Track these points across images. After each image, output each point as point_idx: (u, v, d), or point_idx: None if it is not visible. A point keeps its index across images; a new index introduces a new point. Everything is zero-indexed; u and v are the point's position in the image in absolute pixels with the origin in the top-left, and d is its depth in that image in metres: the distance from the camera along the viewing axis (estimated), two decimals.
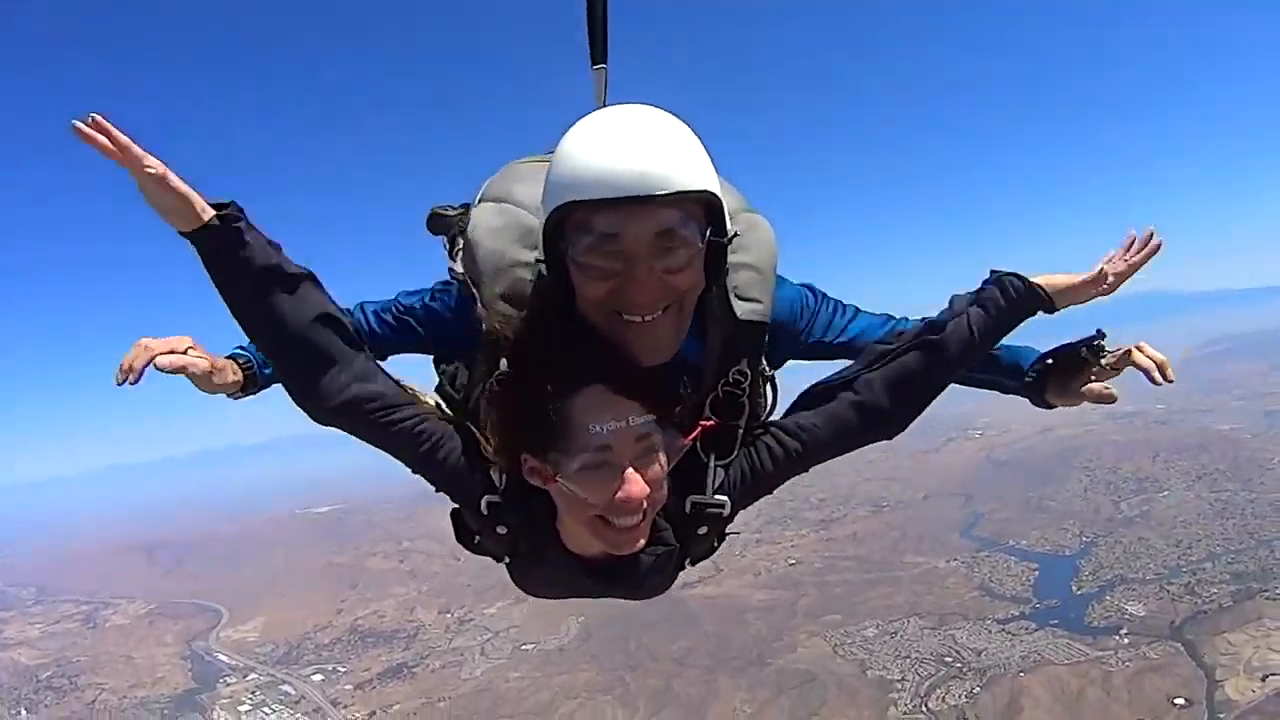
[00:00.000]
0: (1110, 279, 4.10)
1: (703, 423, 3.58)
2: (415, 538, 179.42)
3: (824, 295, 4.30)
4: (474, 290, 3.77)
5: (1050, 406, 4.59)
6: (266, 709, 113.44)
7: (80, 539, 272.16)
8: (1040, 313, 4.09)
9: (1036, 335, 4.51)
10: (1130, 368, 4.25)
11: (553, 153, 3.48)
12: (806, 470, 4.00)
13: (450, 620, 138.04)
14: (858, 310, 4.39)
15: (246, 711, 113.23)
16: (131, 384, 3.54)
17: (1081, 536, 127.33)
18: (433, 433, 3.65)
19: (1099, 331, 4.22)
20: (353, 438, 3.72)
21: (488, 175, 4.38)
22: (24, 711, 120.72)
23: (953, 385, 4.41)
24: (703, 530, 3.92)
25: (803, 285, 4.26)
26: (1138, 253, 4.17)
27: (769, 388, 4.13)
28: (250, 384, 3.99)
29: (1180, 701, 79.89)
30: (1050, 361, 4.41)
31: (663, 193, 3.11)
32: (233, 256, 3.28)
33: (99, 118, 3.03)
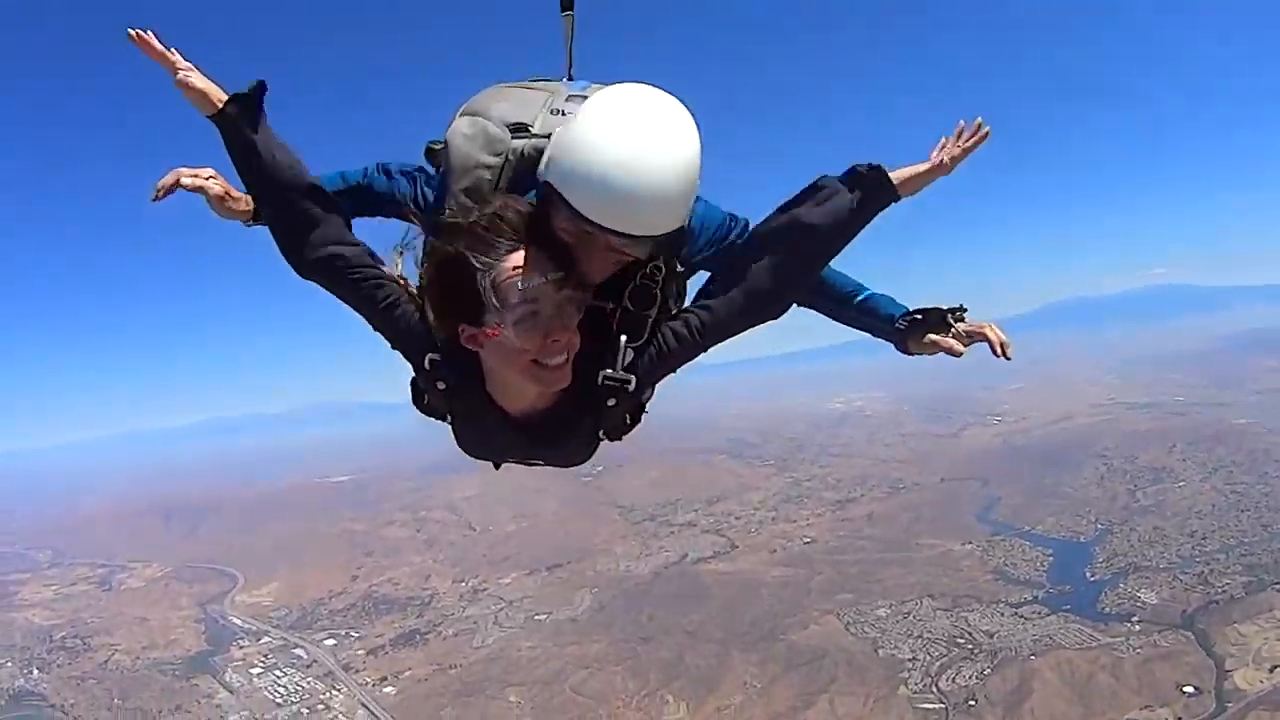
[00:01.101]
0: (946, 161, 4.46)
1: (618, 310, 4.31)
2: (432, 507, 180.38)
3: (725, 212, 4.85)
4: (443, 177, 4.60)
5: (909, 353, 5.36)
6: (278, 672, 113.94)
7: (97, 503, 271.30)
8: (892, 202, 4.46)
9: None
10: (979, 341, 5.03)
11: (529, 83, 4.94)
12: (705, 350, 4.51)
13: (464, 589, 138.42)
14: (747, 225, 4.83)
15: (258, 674, 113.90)
16: (158, 199, 4.56)
17: (1096, 524, 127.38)
18: (389, 294, 4.33)
19: (962, 305, 4.98)
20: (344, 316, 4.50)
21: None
22: (36, 671, 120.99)
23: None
24: (612, 402, 4.42)
25: (711, 204, 4.79)
26: (969, 139, 4.46)
27: (677, 285, 4.68)
28: (259, 217, 4.70)
29: (1189, 690, 79.97)
30: (919, 316, 5.07)
31: (653, 234, 3.97)
32: (239, 133, 4.22)
33: (143, 32, 4.22)
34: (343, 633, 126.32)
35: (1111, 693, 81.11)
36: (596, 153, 3.80)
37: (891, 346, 5.45)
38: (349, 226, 4.55)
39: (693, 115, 4.04)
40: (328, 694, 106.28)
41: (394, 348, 4.50)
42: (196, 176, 4.64)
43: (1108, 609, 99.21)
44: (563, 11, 5.49)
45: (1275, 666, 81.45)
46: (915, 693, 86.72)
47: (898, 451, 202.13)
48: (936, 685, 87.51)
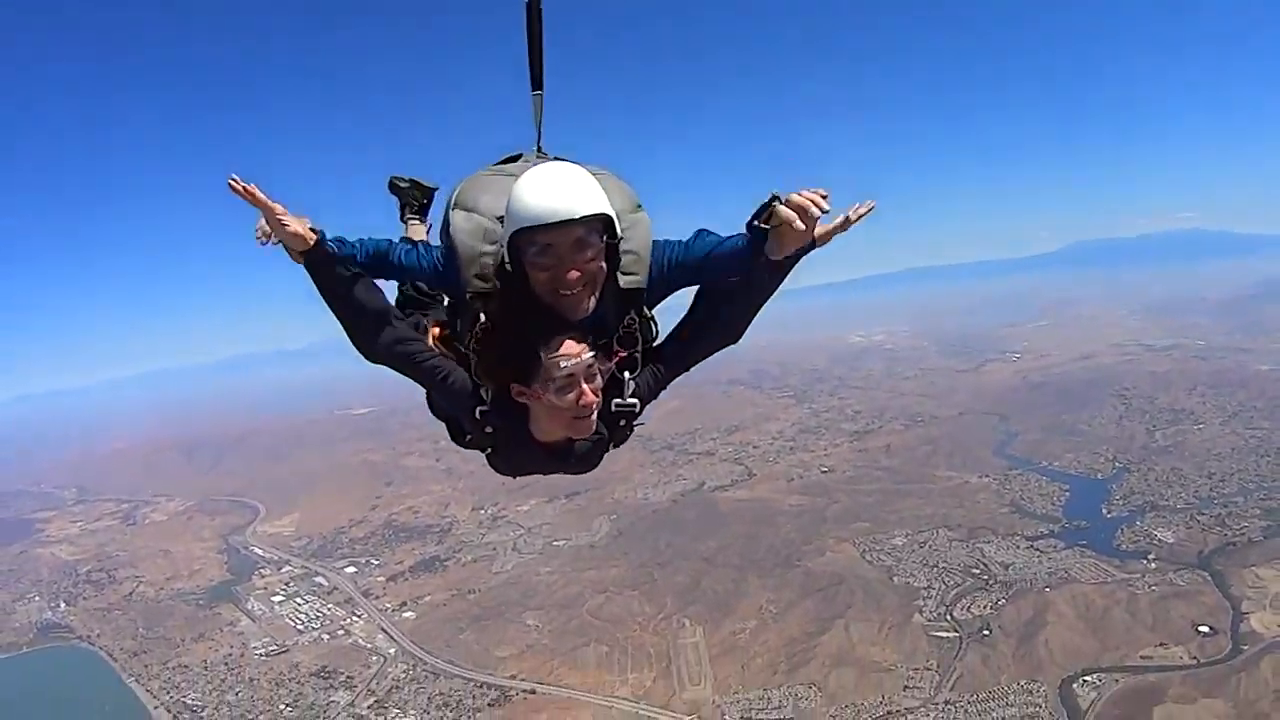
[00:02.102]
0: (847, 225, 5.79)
1: (618, 353, 5.73)
2: None
3: (678, 241, 5.95)
4: (456, 269, 5.70)
5: (781, 268, 5.78)
6: (299, 599, 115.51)
7: (121, 440, 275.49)
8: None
9: None
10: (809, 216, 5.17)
11: (499, 168, 6.37)
12: (687, 370, 6.38)
13: (483, 516, 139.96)
14: (698, 235, 5.97)
15: (279, 601, 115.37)
16: (263, 243, 5.67)
17: (1114, 462, 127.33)
18: (441, 368, 5.82)
19: (772, 195, 5.22)
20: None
21: (439, 158, 6.17)
22: (63, 604, 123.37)
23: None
24: (623, 423, 6.13)
25: (666, 241, 5.97)
26: (857, 216, 5.74)
27: (651, 324, 6.15)
28: (316, 252, 5.54)
29: (1204, 629, 79.77)
30: (756, 225, 5.36)
31: (573, 218, 5.14)
32: (327, 269, 5.54)
33: (248, 185, 5.24)
34: (363, 560, 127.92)
35: (1126, 628, 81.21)
36: (515, 191, 5.30)
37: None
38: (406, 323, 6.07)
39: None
40: (348, 620, 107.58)
41: (445, 403, 6.18)
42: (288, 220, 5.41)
43: (1124, 546, 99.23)
44: (533, 91, 6.75)
45: None
46: (929, 621, 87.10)
47: (917, 385, 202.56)
48: (951, 614, 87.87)
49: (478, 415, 5.77)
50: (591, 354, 5.35)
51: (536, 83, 6.71)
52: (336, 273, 5.59)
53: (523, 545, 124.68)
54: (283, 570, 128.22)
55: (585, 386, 5.35)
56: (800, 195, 5.00)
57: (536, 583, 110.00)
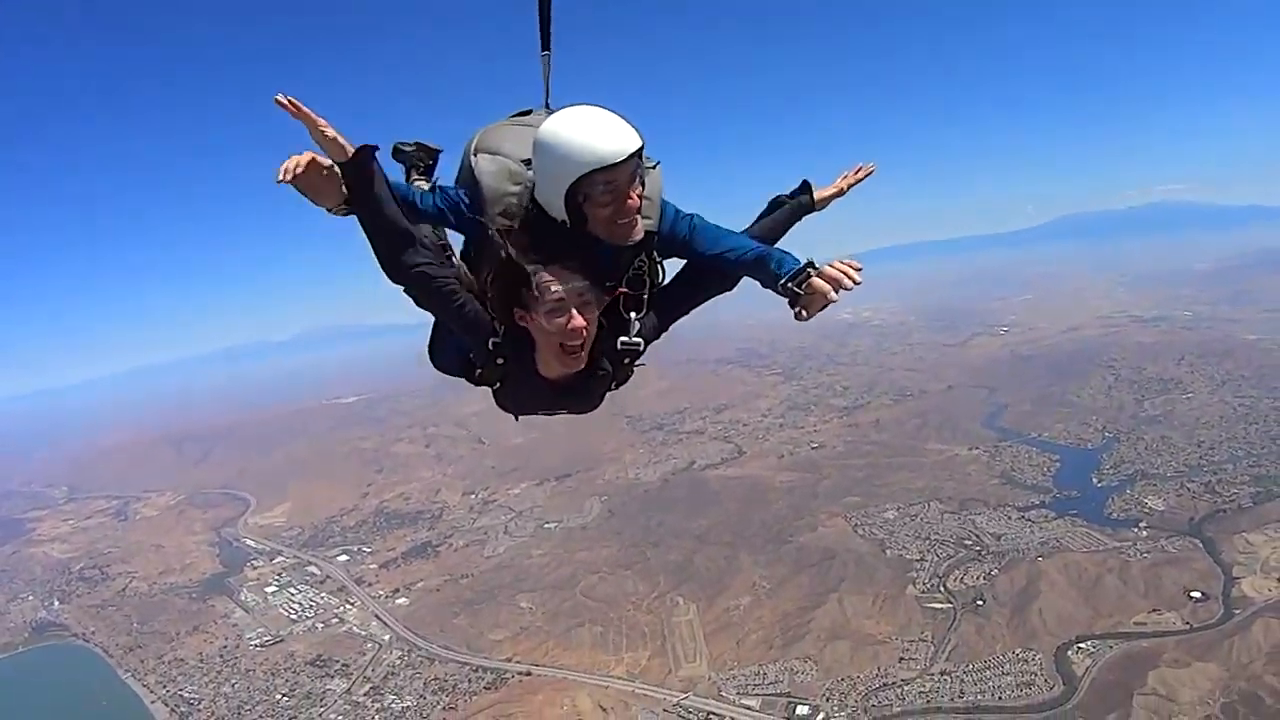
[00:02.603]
0: (844, 188, 6.90)
1: (618, 291, 6.08)
2: (440, 423, 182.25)
3: (685, 215, 6.35)
4: (480, 208, 6.00)
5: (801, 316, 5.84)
6: (292, 589, 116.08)
7: (109, 437, 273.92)
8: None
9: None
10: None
11: (515, 120, 6.65)
12: (685, 315, 6.74)
13: (474, 501, 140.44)
14: (701, 220, 6.39)
15: (273, 592, 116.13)
16: (282, 182, 5.35)
17: (1104, 432, 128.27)
18: (460, 297, 5.85)
19: (807, 264, 5.64)
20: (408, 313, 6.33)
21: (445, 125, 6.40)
22: (57, 602, 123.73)
23: None
24: (627, 360, 6.35)
25: (673, 206, 6.36)
26: (859, 175, 6.84)
27: (659, 268, 6.41)
28: (345, 207, 5.62)
29: (1196, 595, 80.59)
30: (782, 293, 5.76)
31: (627, 156, 5.42)
32: (362, 179, 5.40)
33: (292, 99, 5.17)
34: (355, 548, 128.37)
35: (1119, 595, 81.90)
36: (567, 139, 5.47)
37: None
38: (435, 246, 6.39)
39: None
40: (341, 608, 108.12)
41: (459, 332, 6.12)
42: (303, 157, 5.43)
43: (1115, 514, 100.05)
44: (542, 51, 6.90)
45: None
46: (923, 592, 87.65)
47: (905, 360, 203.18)
48: (944, 585, 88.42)
49: (490, 346, 5.99)
50: (584, 282, 5.63)
51: (545, 43, 6.88)
52: (374, 188, 5.52)
53: (514, 528, 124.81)
54: (275, 561, 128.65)
55: (575, 312, 5.62)
56: (835, 268, 5.39)
57: (529, 565, 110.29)
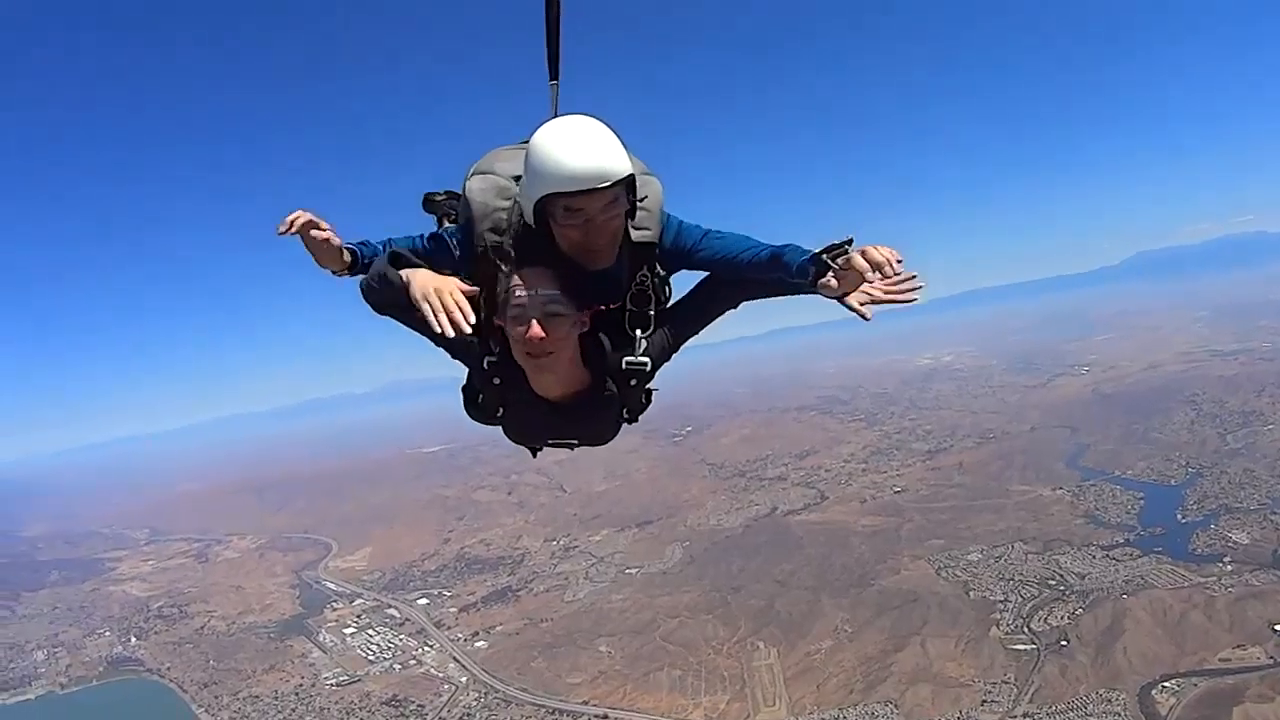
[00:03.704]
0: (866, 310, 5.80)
1: (600, 307, 5.91)
2: (523, 471, 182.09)
3: (700, 226, 6.19)
4: (470, 227, 5.97)
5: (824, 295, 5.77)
6: (371, 631, 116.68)
7: (193, 484, 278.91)
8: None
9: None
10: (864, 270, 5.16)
11: (519, 145, 6.14)
12: (697, 334, 6.55)
13: (555, 547, 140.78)
14: (715, 231, 6.19)
15: (351, 633, 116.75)
16: (281, 233, 5.87)
17: (1187, 467, 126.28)
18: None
19: (845, 242, 5.28)
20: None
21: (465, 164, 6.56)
22: (134, 639, 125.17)
23: None
24: (634, 382, 6.17)
25: (686, 221, 6.22)
26: (894, 292, 5.82)
27: (665, 285, 6.31)
28: (354, 268, 6.18)
29: None
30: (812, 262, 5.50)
31: (606, 184, 5.24)
32: (363, 271, 5.94)
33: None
34: (435, 592, 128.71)
35: (1204, 631, 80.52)
36: (539, 152, 5.33)
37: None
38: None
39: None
40: (420, 650, 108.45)
41: (453, 355, 6.34)
42: (312, 221, 5.95)
43: (1199, 550, 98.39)
44: (550, 80, 6.71)
45: None
46: (1007, 634, 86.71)
47: (987, 403, 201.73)
48: (1028, 626, 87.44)
49: (485, 366, 6.04)
50: (554, 292, 5.46)
51: (553, 73, 6.69)
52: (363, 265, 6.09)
53: (595, 574, 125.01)
54: (354, 603, 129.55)
55: (534, 322, 5.40)
56: (879, 251, 5.01)
57: (609, 610, 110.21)
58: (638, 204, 5.71)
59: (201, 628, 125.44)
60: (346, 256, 6.10)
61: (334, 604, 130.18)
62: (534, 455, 7.39)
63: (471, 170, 6.26)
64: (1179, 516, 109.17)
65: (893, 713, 77.32)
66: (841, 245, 5.17)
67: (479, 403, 6.47)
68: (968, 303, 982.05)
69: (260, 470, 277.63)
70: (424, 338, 6.16)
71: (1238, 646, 77.71)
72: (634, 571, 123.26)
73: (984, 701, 76.74)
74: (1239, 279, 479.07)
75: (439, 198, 7.46)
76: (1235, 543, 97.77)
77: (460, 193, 6.75)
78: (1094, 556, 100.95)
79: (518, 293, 5.45)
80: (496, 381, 6.06)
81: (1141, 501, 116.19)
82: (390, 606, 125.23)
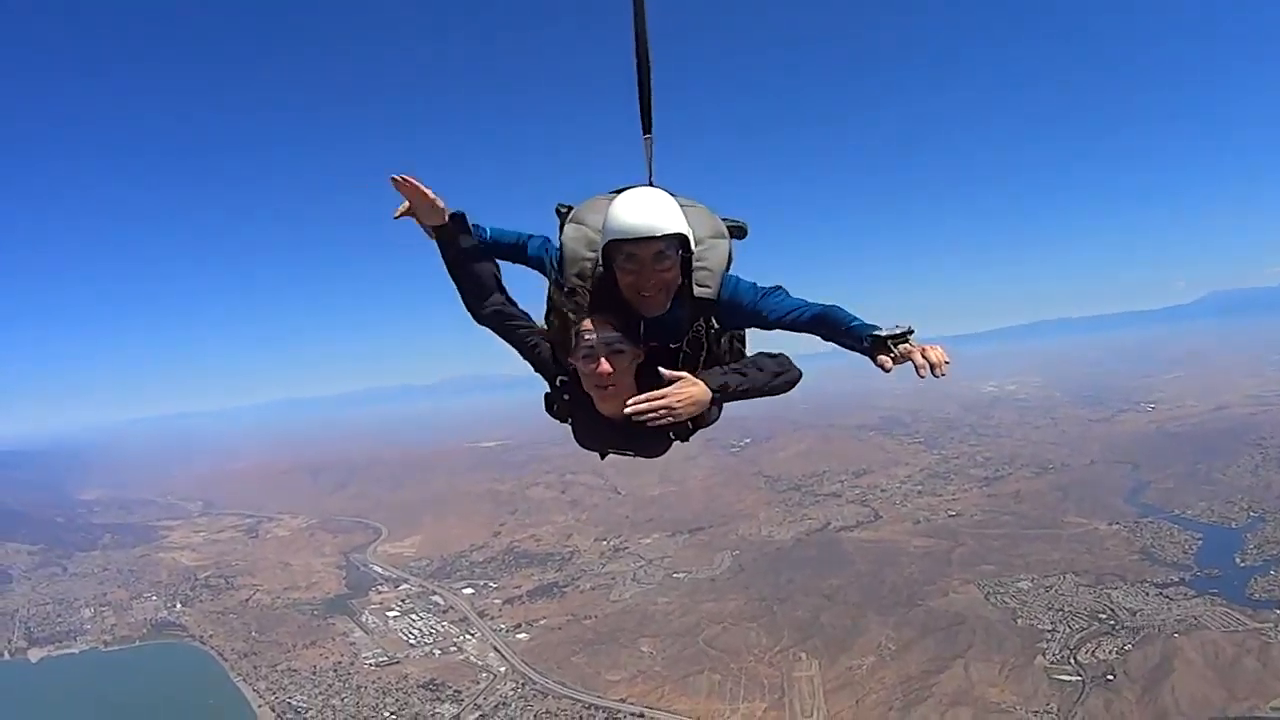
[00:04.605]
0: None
1: (650, 345, 6.71)
2: (579, 471, 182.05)
3: (760, 286, 6.97)
4: (562, 266, 6.97)
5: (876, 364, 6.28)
6: (414, 616, 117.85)
7: (248, 461, 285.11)
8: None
9: None
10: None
11: (613, 193, 6.98)
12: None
13: (605, 547, 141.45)
14: (775, 290, 6.97)
15: (394, 617, 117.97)
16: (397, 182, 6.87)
17: (1250, 511, 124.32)
18: (532, 339, 7.06)
19: (907, 330, 6.07)
20: (507, 353, 7.31)
21: (567, 195, 7.75)
22: (179, 605, 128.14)
23: None
24: None
25: (748, 281, 7.00)
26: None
27: (720, 337, 7.13)
28: (449, 231, 7.05)
29: None
30: (872, 340, 6.19)
31: (655, 235, 6.31)
32: (449, 243, 7.01)
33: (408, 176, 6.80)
34: (481, 583, 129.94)
35: (1257, 678, 79.07)
36: (609, 210, 6.51)
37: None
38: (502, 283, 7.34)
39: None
40: (461, 638, 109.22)
41: (535, 370, 7.19)
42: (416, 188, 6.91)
43: (1257, 595, 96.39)
44: (644, 135, 7.39)
45: None
46: (1052, 663, 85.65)
47: (1049, 434, 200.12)
48: (1075, 658, 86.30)
49: (558, 383, 7.03)
50: (617, 335, 6.46)
51: (646, 127, 7.38)
52: (460, 244, 7.02)
53: (643, 576, 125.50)
54: (400, 588, 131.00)
55: (602, 360, 6.41)
56: (934, 353, 5.85)
57: (654, 611, 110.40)
58: (699, 264, 6.77)
59: (246, 600, 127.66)
60: (445, 217, 7.00)
61: (379, 587, 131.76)
62: (602, 458, 8.06)
63: (571, 215, 7.27)
64: (1237, 560, 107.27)
65: None
66: (903, 334, 5.97)
67: (555, 410, 7.36)
68: (1037, 334, 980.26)
69: (318, 453, 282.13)
70: (515, 351, 7.34)
71: None
72: (681, 576, 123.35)
73: None
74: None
75: (563, 209, 8.00)
76: None
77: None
78: (1147, 593, 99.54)
79: (586, 336, 6.41)
80: (566, 398, 7.03)
81: (1200, 542, 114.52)
82: (435, 594, 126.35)
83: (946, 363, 5.84)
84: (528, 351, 7.14)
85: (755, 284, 7.00)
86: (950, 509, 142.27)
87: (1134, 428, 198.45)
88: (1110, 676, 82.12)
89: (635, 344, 6.58)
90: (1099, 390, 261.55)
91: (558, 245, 7.31)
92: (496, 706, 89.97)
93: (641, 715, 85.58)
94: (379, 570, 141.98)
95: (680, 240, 6.49)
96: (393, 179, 6.82)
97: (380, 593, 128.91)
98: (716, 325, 7.06)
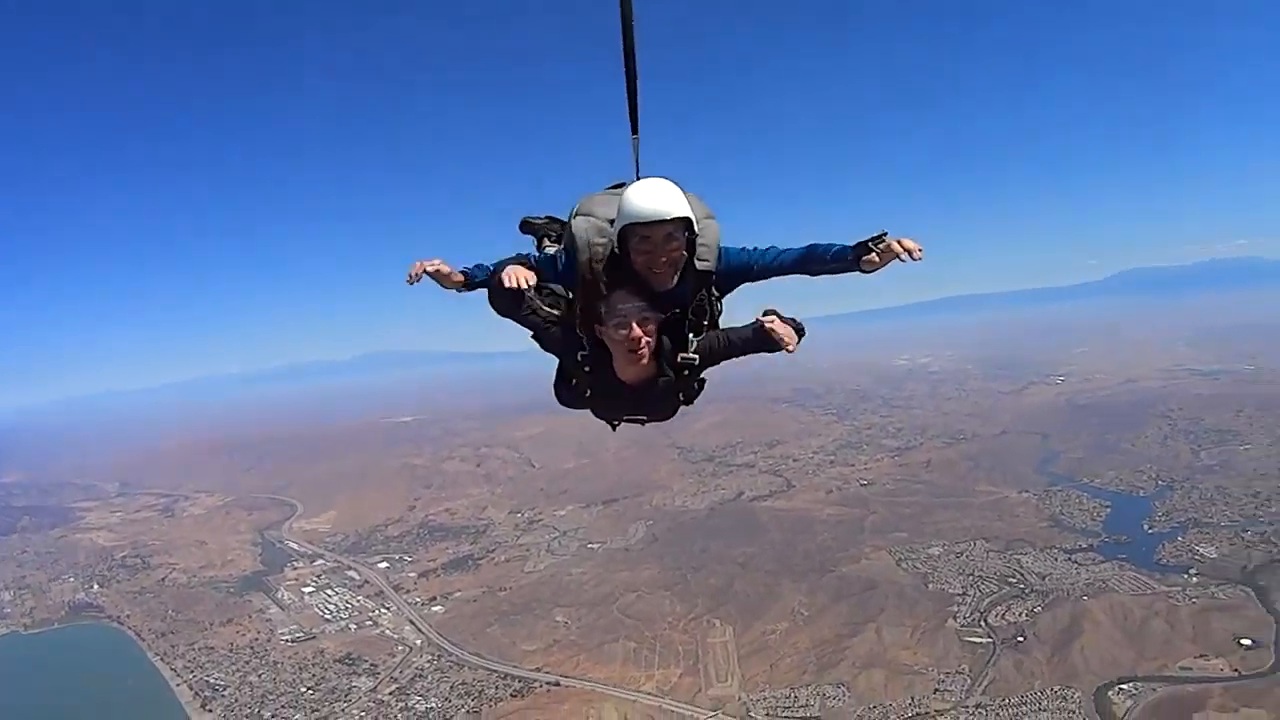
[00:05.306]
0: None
1: (672, 312, 7.64)
2: (494, 445, 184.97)
3: (744, 248, 8.01)
4: (575, 254, 7.76)
5: (864, 271, 7.46)
6: (329, 591, 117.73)
7: (165, 441, 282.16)
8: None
9: None
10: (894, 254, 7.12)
11: (612, 187, 8.32)
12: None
13: (520, 520, 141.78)
14: (755, 249, 8.05)
15: (310, 593, 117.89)
16: (412, 283, 7.38)
17: (1157, 480, 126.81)
18: (555, 328, 7.90)
19: (881, 233, 7.15)
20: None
21: (551, 204, 9.28)
22: (97, 586, 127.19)
23: None
24: (687, 373, 7.87)
25: (735, 248, 7.98)
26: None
27: (717, 304, 8.08)
28: (468, 286, 7.59)
29: (1247, 642, 79.22)
30: (862, 246, 7.25)
31: (666, 218, 7.24)
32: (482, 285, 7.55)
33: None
34: (396, 557, 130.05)
35: (1165, 639, 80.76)
36: (624, 197, 7.44)
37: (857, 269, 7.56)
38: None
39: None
40: (376, 611, 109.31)
41: (550, 351, 8.17)
42: (431, 263, 7.46)
43: (1165, 560, 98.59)
44: (632, 135, 8.02)
45: None
46: (963, 626, 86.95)
47: (960, 405, 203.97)
48: (985, 620, 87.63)
49: (579, 358, 7.89)
50: (643, 304, 7.41)
51: (634, 128, 8.01)
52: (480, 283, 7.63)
53: (557, 547, 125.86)
54: (315, 563, 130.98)
55: (635, 325, 7.34)
56: (910, 241, 6.91)
57: (568, 582, 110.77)
58: (699, 242, 7.67)
59: (163, 579, 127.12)
60: (460, 278, 7.57)
61: (295, 563, 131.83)
62: (614, 428, 9.12)
63: (575, 211, 8.25)
64: (1145, 527, 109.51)
65: (845, 695, 77.71)
66: (880, 235, 7.08)
67: (572, 386, 8.28)
68: (950, 309, 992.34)
69: (233, 431, 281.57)
70: (536, 341, 8.28)
71: (1200, 656, 78.08)
72: (596, 547, 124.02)
73: (936, 690, 77.11)
74: (1225, 301, 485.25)
75: (538, 221, 9.45)
76: (1203, 556, 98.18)
77: (558, 218, 9.25)
78: (1056, 559, 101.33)
79: (620, 306, 7.37)
80: (587, 370, 7.90)
81: (1109, 509, 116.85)
82: (350, 568, 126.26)
83: (920, 249, 6.91)
84: (552, 338, 8.05)
85: (741, 248, 8.01)
86: (862, 478, 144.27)
87: (1044, 400, 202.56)
88: (1020, 638, 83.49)
89: (658, 312, 7.56)
90: (1010, 363, 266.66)
91: (555, 237, 8.93)
92: (413, 679, 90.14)
93: (557, 684, 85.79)
94: (294, 546, 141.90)
95: (686, 223, 7.46)
96: (410, 281, 7.44)
97: (296, 569, 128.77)
98: (716, 292, 8.09)
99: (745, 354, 8.04)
